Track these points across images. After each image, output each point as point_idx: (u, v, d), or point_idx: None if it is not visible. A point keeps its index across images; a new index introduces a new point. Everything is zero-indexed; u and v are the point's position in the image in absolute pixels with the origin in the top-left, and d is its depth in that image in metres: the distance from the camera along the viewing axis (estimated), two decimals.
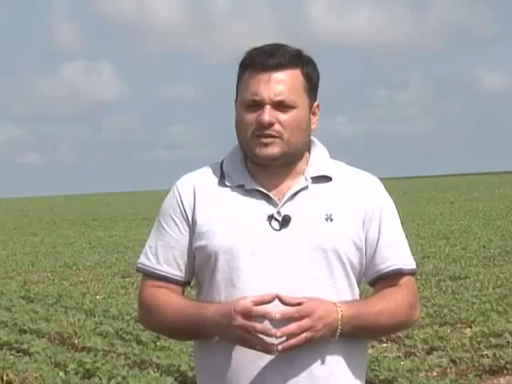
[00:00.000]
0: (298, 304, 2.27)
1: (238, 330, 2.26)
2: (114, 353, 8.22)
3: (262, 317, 2.26)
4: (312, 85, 2.45)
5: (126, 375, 7.14)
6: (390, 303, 2.39)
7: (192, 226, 2.44)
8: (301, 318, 2.26)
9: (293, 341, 2.26)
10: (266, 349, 2.27)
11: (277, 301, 2.28)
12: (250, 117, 2.39)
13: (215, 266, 2.39)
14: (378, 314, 2.37)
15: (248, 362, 2.34)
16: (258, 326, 2.25)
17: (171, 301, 2.42)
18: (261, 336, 2.25)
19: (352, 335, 2.36)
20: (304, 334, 2.26)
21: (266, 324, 2.26)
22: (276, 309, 2.26)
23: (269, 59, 2.38)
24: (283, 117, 2.38)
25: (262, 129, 2.37)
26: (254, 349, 2.28)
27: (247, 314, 2.26)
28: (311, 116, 2.45)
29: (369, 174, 2.52)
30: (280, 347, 2.26)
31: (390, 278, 2.44)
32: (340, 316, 2.30)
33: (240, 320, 2.25)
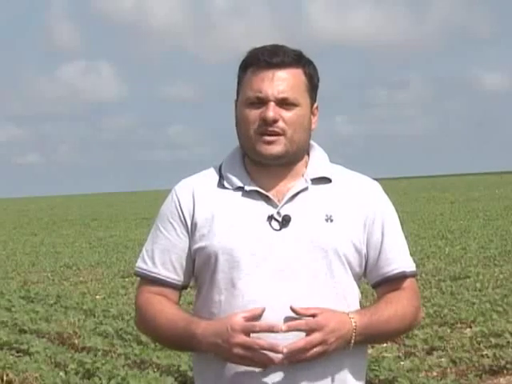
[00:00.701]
0: (312, 315, 2.26)
1: (237, 347, 2.24)
2: (113, 353, 8.22)
3: (268, 331, 2.24)
4: (313, 85, 2.45)
5: (125, 375, 7.13)
6: (397, 309, 2.39)
7: (191, 229, 2.43)
8: (310, 330, 2.24)
9: (303, 357, 2.24)
10: (269, 364, 2.25)
11: (285, 310, 2.27)
12: (254, 114, 2.38)
13: (216, 267, 2.38)
14: (388, 320, 2.37)
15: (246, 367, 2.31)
16: (262, 342, 2.24)
17: (165, 311, 2.41)
18: (263, 352, 2.24)
19: (363, 343, 2.37)
20: (315, 349, 2.24)
21: (269, 337, 2.24)
22: (283, 317, 2.27)
23: (273, 57, 2.39)
24: (286, 114, 2.38)
25: (266, 125, 2.37)
26: (253, 366, 2.27)
27: (248, 331, 2.24)
28: (311, 116, 2.46)
29: (368, 178, 2.52)
30: (286, 361, 2.24)
31: (394, 281, 2.45)
32: (354, 326, 2.30)
33: (241, 337, 2.24)
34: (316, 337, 2.24)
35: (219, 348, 2.27)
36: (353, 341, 2.31)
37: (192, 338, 2.32)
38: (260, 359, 2.25)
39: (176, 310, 2.42)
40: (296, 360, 2.25)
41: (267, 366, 2.27)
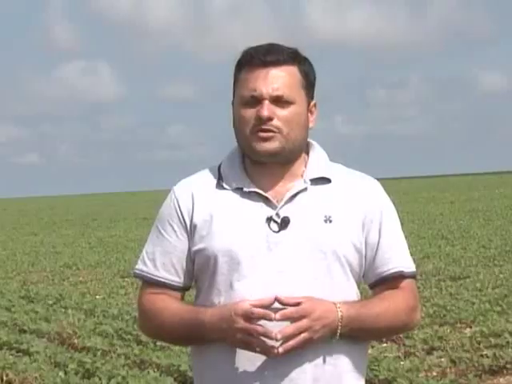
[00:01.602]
0: (297, 304, 2.26)
1: (239, 332, 2.26)
2: (113, 353, 8.22)
3: (263, 318, 2.25)
4: (309, 82, 2.44)
5: (125, 375, 7.14)
6: (390, 305, 2.38)
7: (191, 230, 2.43)
8: (300, 318, 2.25)
9: (292, 342, 2.25)
10: (267, 351, 2.27)
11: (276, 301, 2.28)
12: (249, 112, 2.38)
13: (215, 268, 2.38)
14: (378, 315, 2.36)
15: (246, 363, 2.33)
16: (259, 328, 2.25)
17: (168, 306, 2.41)
18: (262, 338, 2.25)
19: (352, 336, 2.35)
20: (302, 335, 2.25)
21: (266, 325, 2.26)
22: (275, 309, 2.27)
23: (267, 55, 2.38)
24: (282, 112, 2.37)
25: (261, 124, 2.36)
26: (255, 351, 2.28)
27: (248, 317, 2.26)
28: (309, 114, 2.45)
29: (368, 176, 2.51)
30: (281, 349, 2.26)
31: (391, 281, 2.43)
32: (339, 316, 2.30)
33: (242, 323, 2.25)
34: (303, 323, 2.25)
35: (225, 333, 2.28)
36: (339, 331, 2.30)
37: (201, 327, 2.33)
38: (259, 345, 2.26)
39: (179, 304, 2.43)
40: (288, 347, 2.25)
41: (269, 353, 2.27)
